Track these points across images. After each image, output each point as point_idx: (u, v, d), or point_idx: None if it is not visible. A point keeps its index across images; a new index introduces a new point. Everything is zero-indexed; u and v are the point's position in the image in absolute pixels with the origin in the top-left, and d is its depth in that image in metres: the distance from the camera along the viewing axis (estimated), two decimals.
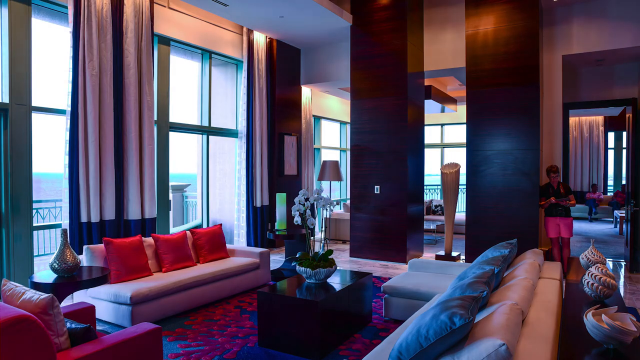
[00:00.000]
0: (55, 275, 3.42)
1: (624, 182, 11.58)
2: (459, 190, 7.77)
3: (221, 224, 5.64)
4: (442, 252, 6.97)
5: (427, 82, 7.95)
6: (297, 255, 3.84)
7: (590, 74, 7.47)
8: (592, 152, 12.08)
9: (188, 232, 5.21)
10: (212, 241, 5.25)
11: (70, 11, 4.74)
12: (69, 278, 3.39)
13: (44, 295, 2.12)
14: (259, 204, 7.42)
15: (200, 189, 7.10)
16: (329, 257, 3.79)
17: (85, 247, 4.24)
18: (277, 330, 3.48)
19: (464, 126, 7.10)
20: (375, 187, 7.02)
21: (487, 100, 6.35)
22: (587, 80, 7.47)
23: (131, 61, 5.30)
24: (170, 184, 6.44)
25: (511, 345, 1.57)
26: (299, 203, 3.82)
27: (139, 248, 4.43)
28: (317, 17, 6.78)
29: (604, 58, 6.82)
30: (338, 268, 4.37)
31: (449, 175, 6.89)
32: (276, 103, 7.84)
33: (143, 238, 4.65)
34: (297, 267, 3.74)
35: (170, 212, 6.53)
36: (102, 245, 4.28)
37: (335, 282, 3.86)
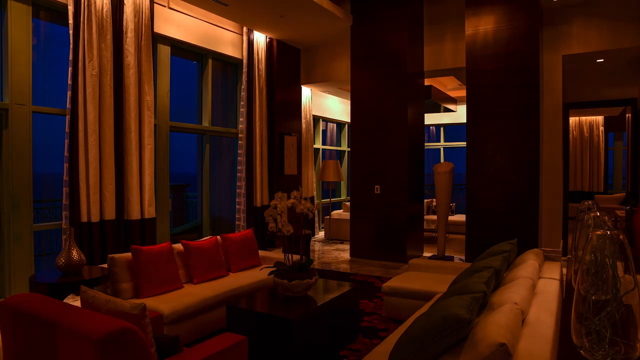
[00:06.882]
0: (58, 275, 3.41)
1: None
2: (457, 189, 7.77)
3: (253, 228, 5.22)
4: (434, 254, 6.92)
5: (427, 82, 7.95)
6: (273, 266, 3.53)
7: (590, 74, 7.46)
8: (592, 153, 12.06)
9: (218, 238, 4.75)
10: (244, 247, 4.78)
11: (70, 11, 4.74)
12: (74, 277, 3.37)
13: (135, 304, 1.95)
14: (259, 204, 7.42)
15: (200, 189, 7.09)
16: (309, 267, 3.49)
17: (109, 256, 3.75)
18: (249, 350, 3.07)
19: (464, 126, 7.10)
20: (375, 187, 7.02)
21: (487, 100, 6.34)
22: (587, 80, 7.47)
23: (131, 61, 5.30)
24: (171, 184, 6.43)
25: (511, 345, 1.58)
26: (273, 208, 3.42)
27: (169, 257, 3.96)
28: (317, 17, 6.78)
29: (604, 58, 6.81)
30: (331, 276, 4.34)
31: (442, 174, 6.80)
32: (276, 103, 7.83)
33: (172, 245, 4.21)
34: (274, 279, 3.41)
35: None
36: (128, 254, 3.81)
37: (317, 294, 3.55)
